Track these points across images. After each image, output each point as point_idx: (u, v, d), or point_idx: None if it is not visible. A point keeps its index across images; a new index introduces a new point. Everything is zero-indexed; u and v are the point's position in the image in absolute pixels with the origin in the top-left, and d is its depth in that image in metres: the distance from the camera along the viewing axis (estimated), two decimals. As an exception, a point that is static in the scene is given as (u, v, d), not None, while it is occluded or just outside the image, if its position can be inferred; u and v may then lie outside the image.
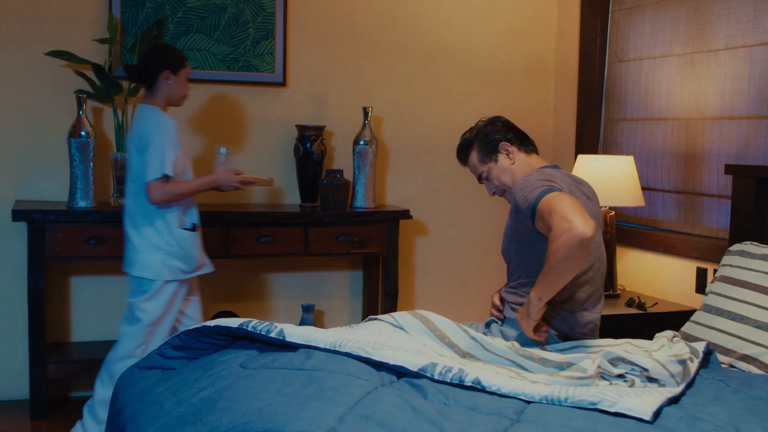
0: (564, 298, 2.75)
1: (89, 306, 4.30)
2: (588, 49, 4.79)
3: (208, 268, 3.74)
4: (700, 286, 3.93)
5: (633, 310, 3.82)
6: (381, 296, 4.48)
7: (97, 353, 4.08)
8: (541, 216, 2.54)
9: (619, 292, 4.14)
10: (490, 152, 2.96)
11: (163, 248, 3.52)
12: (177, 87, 3.59)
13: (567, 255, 2.40)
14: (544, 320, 2.76)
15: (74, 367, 4.00)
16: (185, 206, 3.60)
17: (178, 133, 3.52)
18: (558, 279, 2.49)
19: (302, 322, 4.40)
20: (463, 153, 3.05)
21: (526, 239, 2.75)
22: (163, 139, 3.44)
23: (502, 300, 2.94)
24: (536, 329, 2.65)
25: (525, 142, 2.98)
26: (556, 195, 2.53)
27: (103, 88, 4.07)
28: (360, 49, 4.69)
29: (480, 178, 3.03)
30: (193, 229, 3.62)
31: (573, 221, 2.39)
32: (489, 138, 2.97)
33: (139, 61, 3.69)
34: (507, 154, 2.95)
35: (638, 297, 3.99)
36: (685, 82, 4.14)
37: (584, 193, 2.87)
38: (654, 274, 4.27)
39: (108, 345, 4.20)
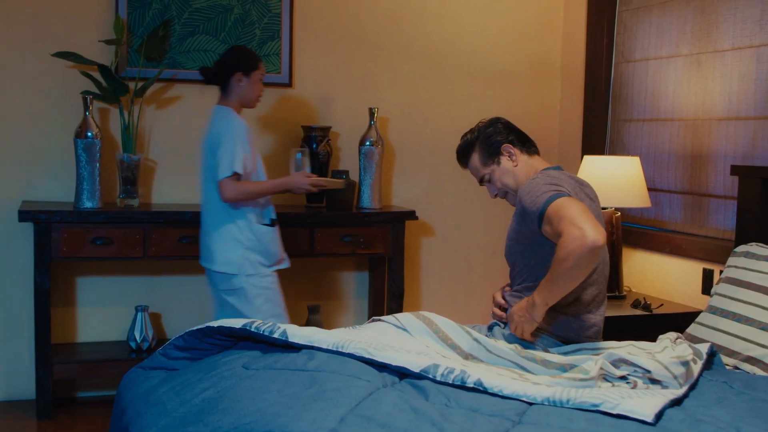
0: (569, 301, 2.74)
1: (95, 306, 4.31)
2: (594, 50, 4.78)
3: (286, 263, 3.82)
4: (707, 288, 3.91)
5: (639, 312, 3.81)
6: (386, 297, 4.48)
7: (102, 354, 4.10)
8: (550, 221, 2.52)
9: (625, 293, 4.13)
10: (492, 154, 2.93)
11: (243, 243, 3.61)
12: (249, 89, 3.68)
13: (577, 263, 2.40)
14: (545, 325, 2.75)
15: (80, 367, 4.01)
16: (264, 203, 3.69)
17: (249, 133, 3.62)
18: (566, 286, 2.49)
19: (308, 323, 4.41)
20: (463, 155, 3.02)
21: (531, 243, 2.74)
22: (233, 138, 3.53)
23: (505, 300, 2.93)
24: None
25: (527, 144, 2.96)
26: (565, 201, 2.51)
27: (109, 89, 4.09)
28: (366, 50, 4.69)
29: (482, 181, 3.00)
30: (271, 224, 3.70)
31: (584, 229, 2.38)
32: (491, 140, 2.93)
33: (214, 63, 3.76)
34: (509, 156, 2.92)
35: (644, 298, 3.98)
36: (691, 82, 4.13)
37: (587, 194, 2.86)
38: (660, 276, 4.26)
39: (114, 345, 4.23)
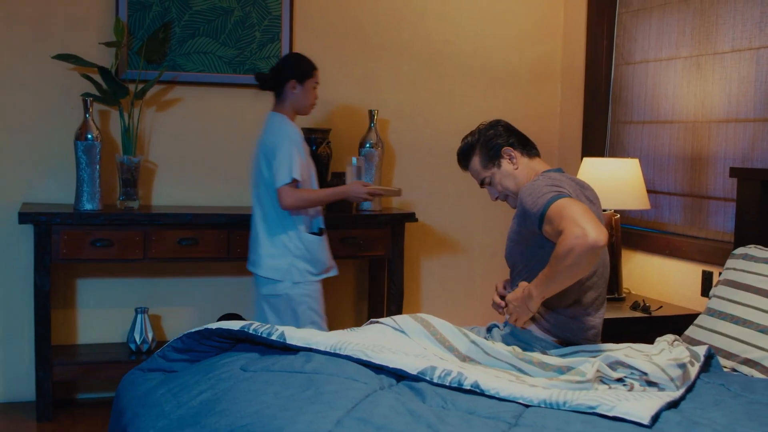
0: (568, 302, 2.74)
1: (95, 308, 4.32)
2: (594, 52, 4.78)
3: (334, 271, 3.87)
4: (706, 290, 3.91)
5: (638, 314, 3.81)
6: (386, 299, 4.49)
7: (102, 355, 4.11)
8: (551, 221, 2.52)
9: (624, 295, 4.13)
10: (493, 157, 2.93)
11: (292, 251, 3.66)
12: (303, 96, 3.72)
13: (577, 261, 2.40)
14: (545, 326, 2.76)
15: (80, 369, 4.02)
16: (314, 212, 3.74)
17: (302, 140, 3.67)
18: (563, 282, 2.51)
19: (307, 325, 4.41)
20: (464, 158, 3.02)
21: (532, 244, 2.74)
22: (290, 145, 3.58)
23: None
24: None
25: (527, 146, 2.96)
26: (566, 201, 2.52)
27: (109, 91, 4.09)
28: (366, 52, 4.69)
29: (482, 184, 3.00)
30: (319, 233, 3.74)
31: (586, 228, 2.38)
32: (491, 143, 2.93)
33: (270, 69, 3.80)
34: (510, 159, 2.92)
35: (643, 300, 3.98)
36: (691, 84, 4.13)
37: (588, 197, 2.85)
38: (659, 278, 4.26)
39: (114, 347, 4.24)
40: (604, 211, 3.98)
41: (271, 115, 3.74)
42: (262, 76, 3.77)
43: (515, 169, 2.91)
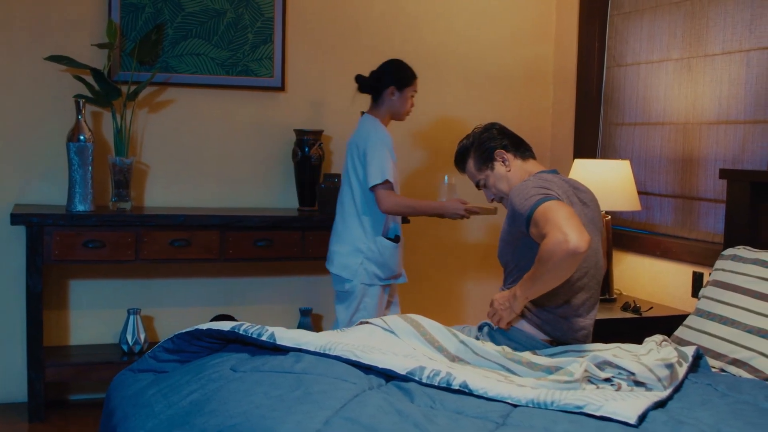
0: (559, 303, 2.76)
1: (87, 309, 4.32)
2: (586, 54, 4.80)
3: (403, 278, 3.91)
4: (696, 291, 3.93)
5: (628, 315, 3.82)
6: (379, 300, 4.49)
7: (95, 356, 4.11)
8: (536, 223, 2.55)
9: (615, 296, 4.15)
10: (486, 160, 2.98)
11: (364, 252, 3.71)
12: (400, 103, 3.78)
13: (557, 266, 2.45)
14: (536, 322, 2.78)
15: (72, 370, 4.02)
16: (393, 218, 3.79)
17: (393, 146, 3.72)
18: (546, 285, 2.56)
19: (300, 326, 4.42)
20: (460, 161, 3.09)
21: (521, 244, 2.76)
22: (382, 147, 3.65)
23: None
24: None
25: (521, 148, 2.99)
26: (553, 204, 2.55)
27: (102, 92, 4.10)
28: (359, 54, 4.70)
29: (478, 186, 3.07)
30: (395, 240, 3.79)
31: (568, 234, 2.41)
32: (485, 146, 2.99)
33: (370, 73, 3.85)
34: (503, 162, 2.96)
35: (634, 301, 3.99)
36: (682, 86, 4.14)
37: (581, 199, 2.87)
38: (650, 279, 4.28)
39: (106, 348, 4.24)
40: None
41: (365, 117, 3.82)
42: (362, 79, 3.83)
43: (508, 171, 2.95)
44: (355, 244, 3.74)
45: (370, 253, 3.73)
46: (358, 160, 3.71)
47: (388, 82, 3.74)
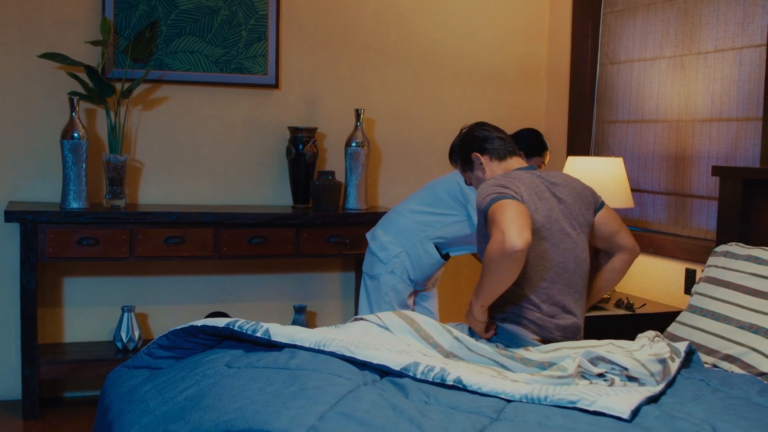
0: (531, 299, 2.76)
1: (82, 307, 4.32)
2: (580, 52, 4.81)
3: (432, 293, 3.93)
4: (689, 287, 3.95)
5: (621, 311, 3.84)
6: (373, 297, 4.50)
7: (89, 354, 4.11)
8: (488, 223, 2.61)
9: (608, 293, 4.15)
10: (466, 162, 3.05)
11: (407, 248, 3.69)
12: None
13: (496, 266, 2.48)
14: (525, 323, 2.79)
15: (67, 367, 4.01)
16: (455, 240, 3.73)
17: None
18: (492, 288, 2.56)
19: (294, 323, 4.42)
20: (451, 160, 3.18)
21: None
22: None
23: None
24: (487, 328, 2.75)
25: (501, 150, 2.98)
26: (502, 203, 2.58)
27: (96, 89, 4.09)
28: (353, 51, 4.71)
29: (466, 183, 3.14)
30: (444, 257, 3.74)
31: (506, 233, 2.44)
32: (464, 149, 3.04)
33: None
34: (479, 165, 3.00)
35: (627, 298, 4.01)
36: (675, 84, 4.16)
37: (556, 194, 2.84)
38: (643, 276, 4.29)
39: (100, 345, 4.24)
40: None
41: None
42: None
43: (483, 174, 3.00)
44: (407, 236, 3.70)
45: (413, 249, 3.69)
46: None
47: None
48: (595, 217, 2.96)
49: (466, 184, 3.14)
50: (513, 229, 2.45)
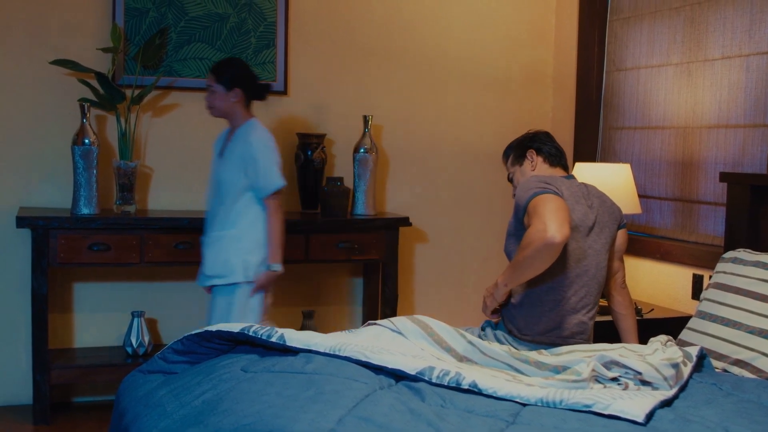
0: (551, 297, 2.81)
1: (92, 312, 4.34)
2: (586, 58, 4.84)
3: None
4: (696, 293, 3.97)
5: (630, 317, 3.85)
6: (381, 302, 4.52)
7: (99, 359, 4.13)
8: (529, 214, 2.71)
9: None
10: (519, 157, 3.14)
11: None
12: None
13: (533, 254, 2.58)
14: (528, 326, 2.82)
15: (77, 372, 4.03)
16: None
17: None
18: (524, 272, 2.67)
19: (303, 328, 4.44)
20: (505, 154, 3.25)
21: (522, 237, 2.83)
22: None
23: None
24: (494, 311, 2.89)
25: (554, 157, 3.11)
26: (545, 197, 2.70)
27: (106, 96, 4.12)
28: (360, 58, 4.73)
29: (508, 178, 3.22)
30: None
31: (548, 224, 2.57)
32: (523, 144, 3.14)
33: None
34: (531, 161, 3.10)
35: (635, 303, 4.02)
36: (682, 91, 4.18)
37: (590, 203, 2.95)
38: (651, 281, 4.31)
39: (110, 351, 4.26)
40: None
41: None
42: None
43: (532, 170, 3.09)
44: None
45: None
46: None
47: None
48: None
49: (508, 180, 3.22)
50: (554, 221, 2.57)
